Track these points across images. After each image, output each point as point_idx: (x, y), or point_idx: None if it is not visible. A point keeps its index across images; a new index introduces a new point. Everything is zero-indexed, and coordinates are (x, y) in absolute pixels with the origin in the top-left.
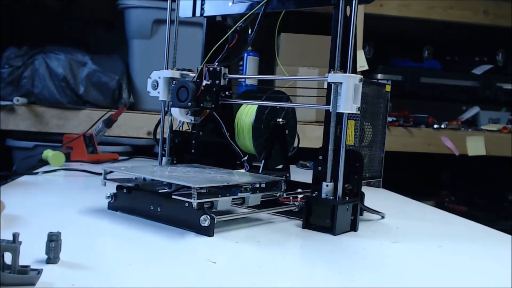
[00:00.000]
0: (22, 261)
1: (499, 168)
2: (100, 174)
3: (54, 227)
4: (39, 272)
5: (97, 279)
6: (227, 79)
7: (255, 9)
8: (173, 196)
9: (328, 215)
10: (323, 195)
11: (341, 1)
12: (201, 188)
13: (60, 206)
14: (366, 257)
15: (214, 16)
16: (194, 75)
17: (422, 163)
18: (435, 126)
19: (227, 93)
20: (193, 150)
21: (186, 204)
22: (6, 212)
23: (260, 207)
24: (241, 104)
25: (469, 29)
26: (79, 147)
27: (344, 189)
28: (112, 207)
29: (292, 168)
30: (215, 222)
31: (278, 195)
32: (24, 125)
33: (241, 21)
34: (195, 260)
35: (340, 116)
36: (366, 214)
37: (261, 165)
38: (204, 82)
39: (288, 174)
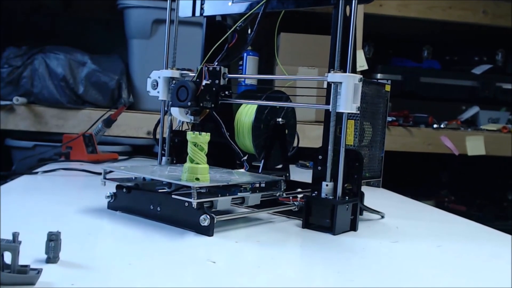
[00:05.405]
0: (22, 261)
1: (499, 168)
2: (99, 173)
3: (54, 226)
4: (38, 271)
5: (96, 279)
6: (226, 79)
7: (254, 9)
8: (173, 196)
9: (327, 214)
10: (323, 195)
11: (340, 1)
12: (200, 187)
13: (59, 206)
14: (365, 257)
15: (214, 16)
16: (193, 74)
17: (421, 163)
18: (435, 126)
19: (226, 92)
20: None
21: (186, 204)
22: (6, 212)
23: (259, 206)
24: (241, 104)
25: (469, 29)
26: (78, 147)
27: (343, 188)
28: (112, 206)
29: (292, 167)
30: (215, 221)
31: (277, 194)
32: (23, 125)
33: (240, 20)
34: (195, 259)
35: (340, 115)
36: (365, 214)
37: (261, 164)
38: (204, 82)
39: (287, 174)
